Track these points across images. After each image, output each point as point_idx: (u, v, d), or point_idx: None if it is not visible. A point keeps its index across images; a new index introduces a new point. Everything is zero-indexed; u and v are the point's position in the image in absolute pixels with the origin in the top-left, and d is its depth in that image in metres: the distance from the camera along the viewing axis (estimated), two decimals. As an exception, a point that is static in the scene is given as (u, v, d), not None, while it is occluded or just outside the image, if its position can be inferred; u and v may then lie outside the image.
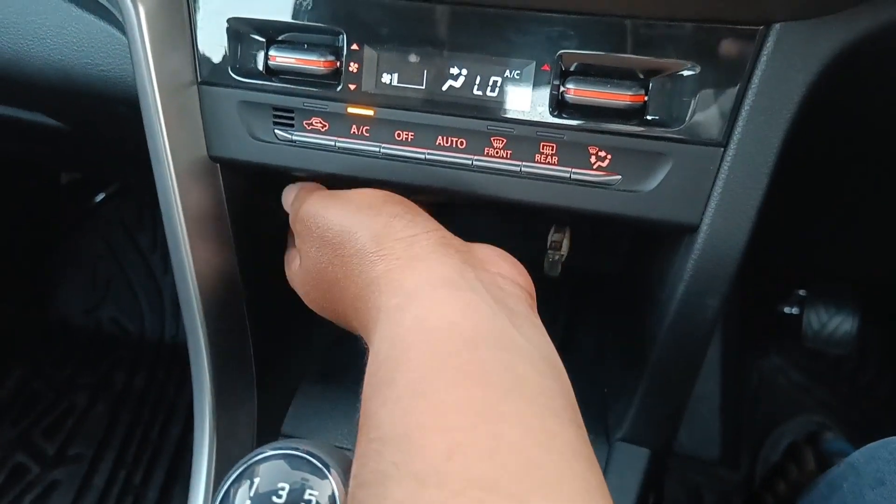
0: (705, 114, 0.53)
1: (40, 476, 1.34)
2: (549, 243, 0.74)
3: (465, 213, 0.87)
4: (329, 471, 0.52)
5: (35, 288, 1.66)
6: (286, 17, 0.58)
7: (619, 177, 0.56)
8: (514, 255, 0.56)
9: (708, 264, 0.56)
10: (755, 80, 0.51)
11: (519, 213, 0.81)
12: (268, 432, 0.75)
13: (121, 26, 0.63)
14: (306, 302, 0.62)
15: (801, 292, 1.36)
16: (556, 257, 0.74)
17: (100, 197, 1.71)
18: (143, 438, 1.43)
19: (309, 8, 0.57)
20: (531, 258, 0.76)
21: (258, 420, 0.73)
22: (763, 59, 0.51)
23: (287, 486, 0.51)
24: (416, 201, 0.57)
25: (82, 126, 0.94)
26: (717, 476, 1.36)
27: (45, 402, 1.47)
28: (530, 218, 0.81)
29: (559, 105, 0.55)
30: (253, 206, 0.71)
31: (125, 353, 1.58)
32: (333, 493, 0.51)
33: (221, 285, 0.69)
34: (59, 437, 1.41)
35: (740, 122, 0.52)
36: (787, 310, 1.44)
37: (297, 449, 0.53)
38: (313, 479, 0.51)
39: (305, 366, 0.81)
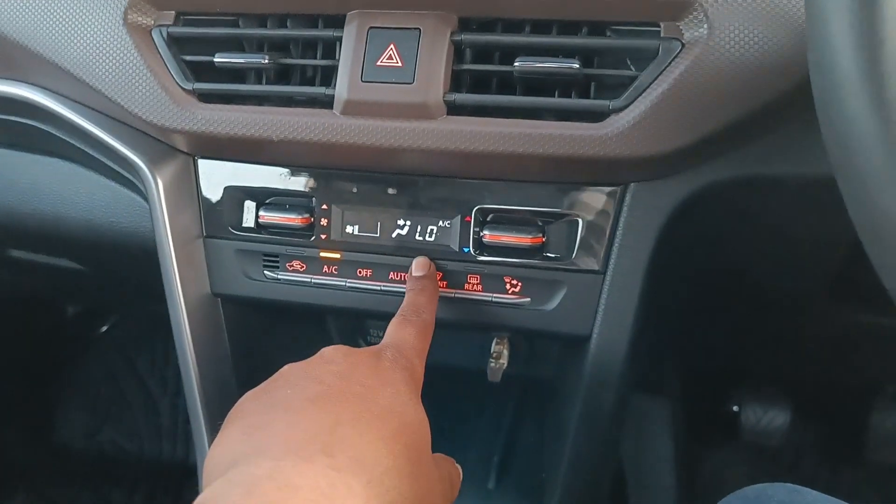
0: (588, 251, 0.70)
1: None
2: (491, 353, 0.90)
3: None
4: None
5: (38, 414, 1.73)
6: (272, 185, 0.76)
7: (529, 299, 0.72)
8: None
9: (600, 365, 0.72)
10: (620, 224, 0.68)
11: (462, 330, 0.97)
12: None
13: (141, 193, 0.81)
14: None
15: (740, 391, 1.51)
16: (497, 366, 0.89)
17: (104, 328, 1.82)
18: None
19: (289, 179, 0.75)
20: (477, 368, 0.92)
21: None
22: (625, 209, 0.68)
23: None
24: None
25: (100, 268, 1.11)
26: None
27: (48, 525, 1.52)
28: (476, 333, 0.97)
29: (480, 246, 0.72)
30: (249, 332, 0.87)
31: (124, 473, 1.64)
32: None
33: (222, 395, 0.84)
34: (61, 561, 1.45)
35: (612, 257, 0.69)
36: (734, 407, 1.59)
37: None
38: None
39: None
